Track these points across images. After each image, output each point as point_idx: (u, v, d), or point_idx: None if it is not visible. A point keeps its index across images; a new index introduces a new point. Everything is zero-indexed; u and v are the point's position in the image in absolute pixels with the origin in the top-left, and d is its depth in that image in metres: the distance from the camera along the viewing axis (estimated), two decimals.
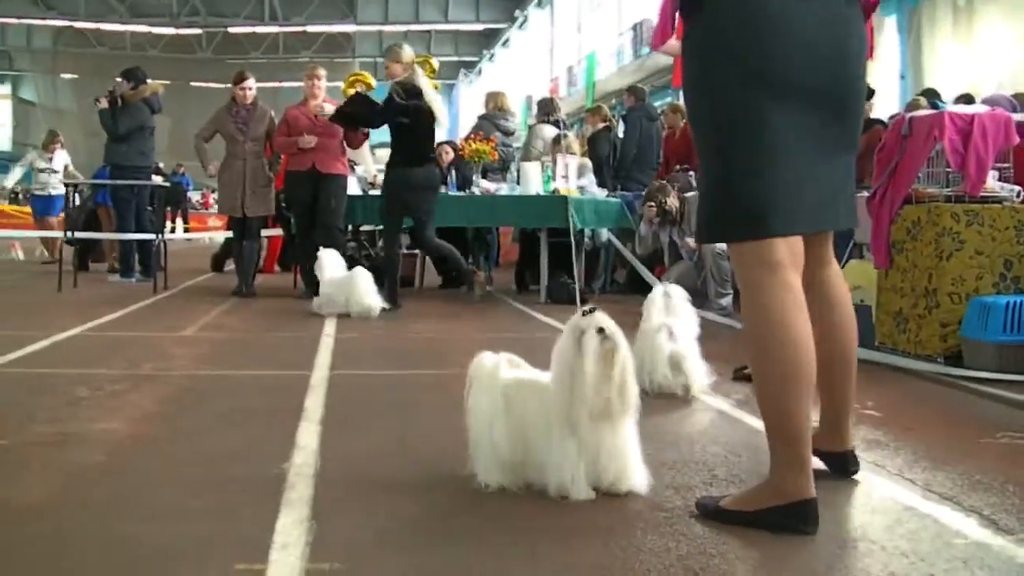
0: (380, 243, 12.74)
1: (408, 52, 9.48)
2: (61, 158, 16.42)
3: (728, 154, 2.97)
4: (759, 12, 2.88)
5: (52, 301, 9.77)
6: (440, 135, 10.74)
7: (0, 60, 59.56)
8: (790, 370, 2.85)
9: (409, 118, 9.16)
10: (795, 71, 2.90)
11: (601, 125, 12.62)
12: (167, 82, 57.26)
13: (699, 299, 8.92)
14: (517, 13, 44.48)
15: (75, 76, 60.13)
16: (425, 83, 9.31)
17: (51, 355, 6.17)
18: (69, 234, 12.15)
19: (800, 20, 2.89)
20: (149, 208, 12.31)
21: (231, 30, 50.88)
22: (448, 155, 12.15)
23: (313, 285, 9.96)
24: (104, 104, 11.89)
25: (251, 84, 10.62)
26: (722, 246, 8.46)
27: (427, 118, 9.28)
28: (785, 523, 2.82)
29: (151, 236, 11.64)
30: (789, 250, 2.94)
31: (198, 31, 51.50)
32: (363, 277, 8.53)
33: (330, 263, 8.64)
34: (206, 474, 3.40)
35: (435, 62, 12.34)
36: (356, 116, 9.82)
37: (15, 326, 7.64)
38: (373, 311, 8.45)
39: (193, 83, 57.55)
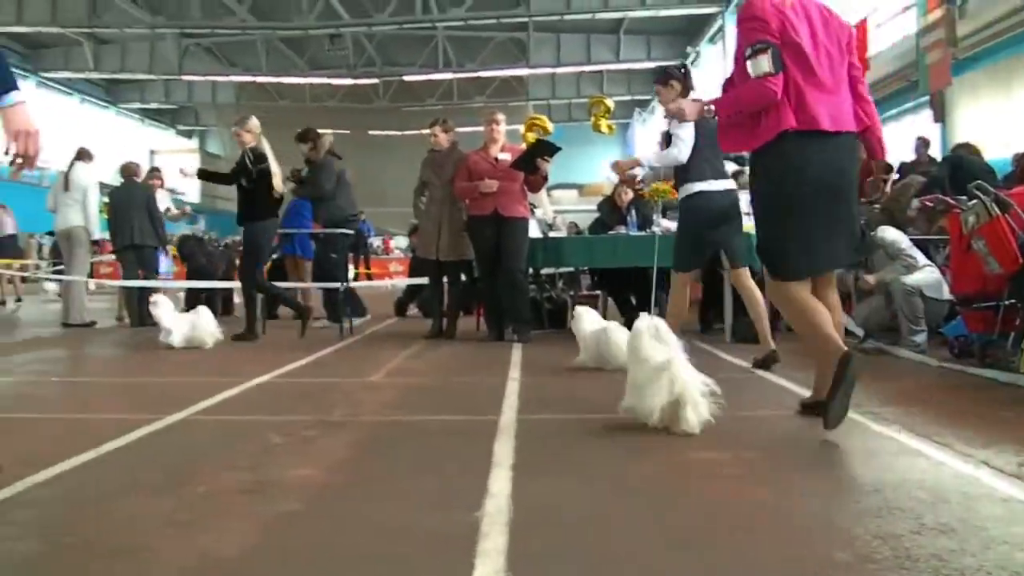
0: (560, 284, 12.77)
1: (255, 123, 11.04)
2: (163, 200, 15.39)
3: (774, 229, 5.25)
4: (790, 164, 5.07)
5: (242, 348, 9.99)
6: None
7: (187, 116, 61.85)
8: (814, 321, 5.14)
9: (254, 181, 10.76)
10: (812, 191, 5.05)
11: None
12: (346, 131, 58.40)
13: (891, 336, 8.65)
14: (689, 50, 44.14)
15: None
16: (269, 151, 10.92)
17: (244, 402, 6.30)
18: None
19: (815, 163, 5.05)
20: (333, 255, 12.56)
21: (406, 78, 51.65)
22: (627, 195, 12.08)
23: (496, 328, 10.05)
24: (293, 184, 12.45)
25: (437, 130, 10.83)
26: (913, 284, 8.32)
27: (270, 180, 10.79)
28: (841, 383, 4.76)
29: (336, 284, 11.87)
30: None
31: (375, 81, 52.45)
32: (204, 315, 10.05)
33: (166, 306, 10.06)
34: (400, 522, 3.39)
35: (610, 102, 12.30)
36: (212, 176, 11.76)
37: (209, 373, 7.84)
38: (206, 343, 9.88)
39: (371, 131, 58.70)
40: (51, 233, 17.62)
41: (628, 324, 11.76)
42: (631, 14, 39.85)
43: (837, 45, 5.18)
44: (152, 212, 13.67)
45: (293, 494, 3.76)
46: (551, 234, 12.18)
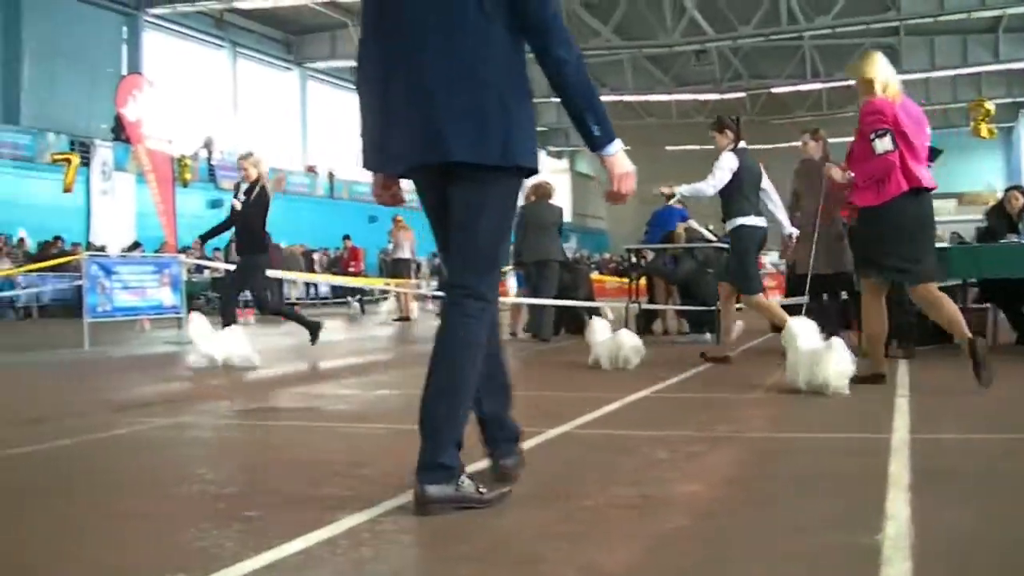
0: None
1: (258, 157, 11.56)
2: None
3: (910, 253, 7.27)
4: (907, 211, 7.19)
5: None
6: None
7: (558, 137, 63.36)
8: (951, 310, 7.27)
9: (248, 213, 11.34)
10: (920, 227, 7.29)
11: None
12: (712, 147, 58.36)
13: None
14: None
15: (627, 148, 62.73)
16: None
17: (625, 416, 6.30)
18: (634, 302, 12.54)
19: (919, 209, 7.26)
20: (710, 271, 12.50)
21: (774, 90, 51.08)
22: (1017, 201, 11.36)
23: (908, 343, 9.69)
24: None
25: (806, 138, 10.61)
26: None
27: (266, 215, 11.40)
28: (978, 357, 6.81)
29: (706, 307, 11.80)
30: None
31: (742, 94, 52.19)
32: (237, 334, 10.25)
33: (200, 325, 10.17)
34: (793, 543, 3.24)
35: (990, 105, 11.69)
36: (213, 233, 12.24)
37: (588, 388, 7.91)
38: (250, 361, 10.08)
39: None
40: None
41: (1021, 338, 11.04)
42: (1011, 11, 37.63)
43: (923, 130, 7.39)
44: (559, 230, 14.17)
45: (680, 510, 3.69)
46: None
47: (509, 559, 3.13)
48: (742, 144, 9.67)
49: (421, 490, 3.64)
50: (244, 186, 11.51)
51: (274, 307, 12.31)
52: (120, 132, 31.64)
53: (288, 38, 47.14)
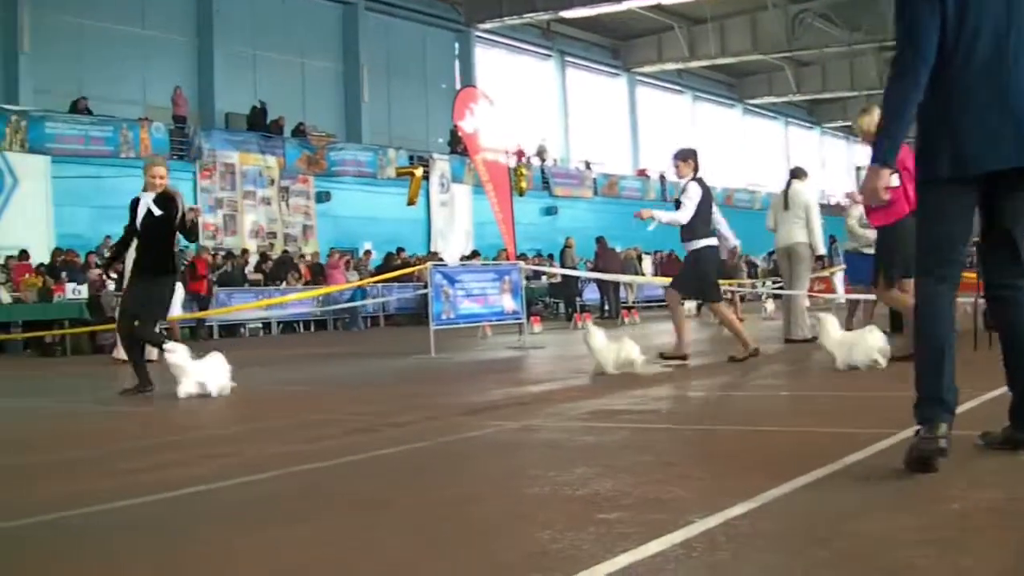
0: None
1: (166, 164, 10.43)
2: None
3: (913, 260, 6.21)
4: (911, 228, 6.64)
5: (968, 360, 9.58)
6: None
7: None
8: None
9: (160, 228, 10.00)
10: (911, 243, 6.47)
11: None
12: None
13: None
14: None
15: None
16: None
17: (979, 414, 5.91)
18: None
19: (912, 230, 5.97)
20: None
21: None
22: None
23: None
24: None
25: None
26: None
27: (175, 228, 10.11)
28: None
29: None
30: None
31: None
32: (218, 360, 9.60)
33: (182, 352, 9.54)
34: None
35: None
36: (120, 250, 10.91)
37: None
38: (225, 390, 9.51)
39: None
40: (771, 253, 18.25)
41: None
42: None
43: None
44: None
45: None
46: None
47: (873, 566, 3.03)
48: (701, 173, 10.89)
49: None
50: (151, 196, 9.93)
51: (146, 337, 10.21)
52: (456, 145, 32.82)
53: (615, 44, 47.63)
